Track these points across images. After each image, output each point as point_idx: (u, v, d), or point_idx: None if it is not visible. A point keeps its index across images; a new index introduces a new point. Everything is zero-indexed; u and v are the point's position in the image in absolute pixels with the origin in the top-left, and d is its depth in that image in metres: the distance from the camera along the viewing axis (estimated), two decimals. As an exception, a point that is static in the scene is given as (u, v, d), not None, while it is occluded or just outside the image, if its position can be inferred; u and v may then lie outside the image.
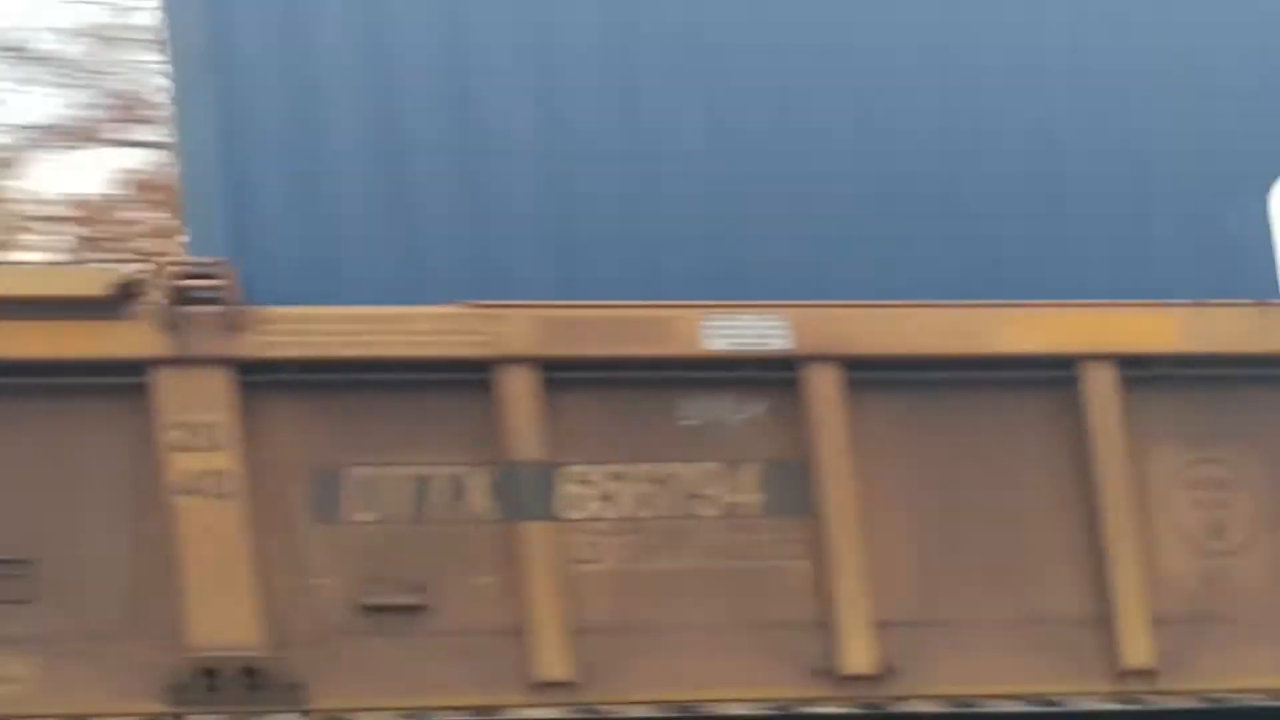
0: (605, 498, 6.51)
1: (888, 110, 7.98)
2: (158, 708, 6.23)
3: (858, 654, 6.49)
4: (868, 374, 6.58)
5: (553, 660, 6.36)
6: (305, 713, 6.29)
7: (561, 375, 6.45)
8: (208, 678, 6.19)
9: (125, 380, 6.23)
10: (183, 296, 6.22)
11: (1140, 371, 6.70)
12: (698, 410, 6.60)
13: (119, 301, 6.19)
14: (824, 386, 6.54)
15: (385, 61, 7.25)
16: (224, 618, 6.19)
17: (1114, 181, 8.03)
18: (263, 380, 6.28)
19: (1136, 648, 6.63)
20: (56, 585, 6.22)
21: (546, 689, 6.37)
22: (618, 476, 6.53)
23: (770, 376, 6.58)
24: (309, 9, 7.34)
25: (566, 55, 7.53)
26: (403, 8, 7.45)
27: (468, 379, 6.43)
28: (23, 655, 6.17)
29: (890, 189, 7.95)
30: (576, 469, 6.49)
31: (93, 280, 6.25)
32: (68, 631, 6.20)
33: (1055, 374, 6.71)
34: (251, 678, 6.21)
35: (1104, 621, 6.65)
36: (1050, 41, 8.13)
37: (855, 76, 7.92)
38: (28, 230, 18.00)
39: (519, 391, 6.40)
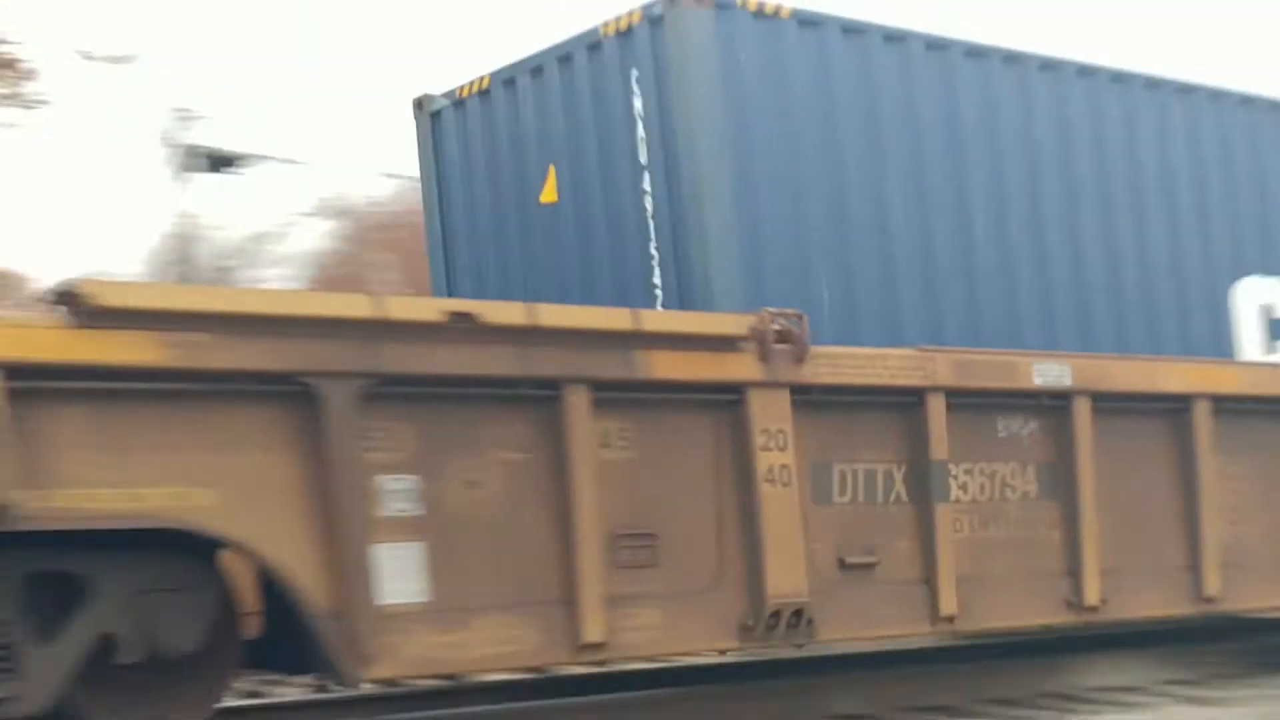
0: (962, 487, 9.28)
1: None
2: (735, 644, 8.37)
3: (1092, 592, 9.70)
4: (1108, 404, 9.78)
5: (948, 601, 9.08)
6: (798, 646, 8.67)
7: (956, 400, 9.13)
8: (773, 619, 8.37)
9: (728, 398, 8.23)
10: (777, 337, 8.30)
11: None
12: (1004, 425, 9.50)
13: (737, 340, 8.19)
14: (1083, 413, 9.66)
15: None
16: (787, 574, 8.40)
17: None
18: (803, 400, 8.50)
19: (1211, 582, 10.31)
20: (671, 553, 8.15)
21: (942, 621, 9.09)
22: (967, 472, 9.31)
23: (1046, 404, 9.60)
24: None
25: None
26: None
27: (905, 402, 8.97)
28: (652, 607, 8.07)
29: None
30: (951, 467, 9.21)
31: (737, 323, 8.18)
32: (679, 588, 8.16)
33: (1174, 406, 10.21)
34: (798, 618, 8.46)
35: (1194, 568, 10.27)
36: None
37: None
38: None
39: (937, 411, 9.02)
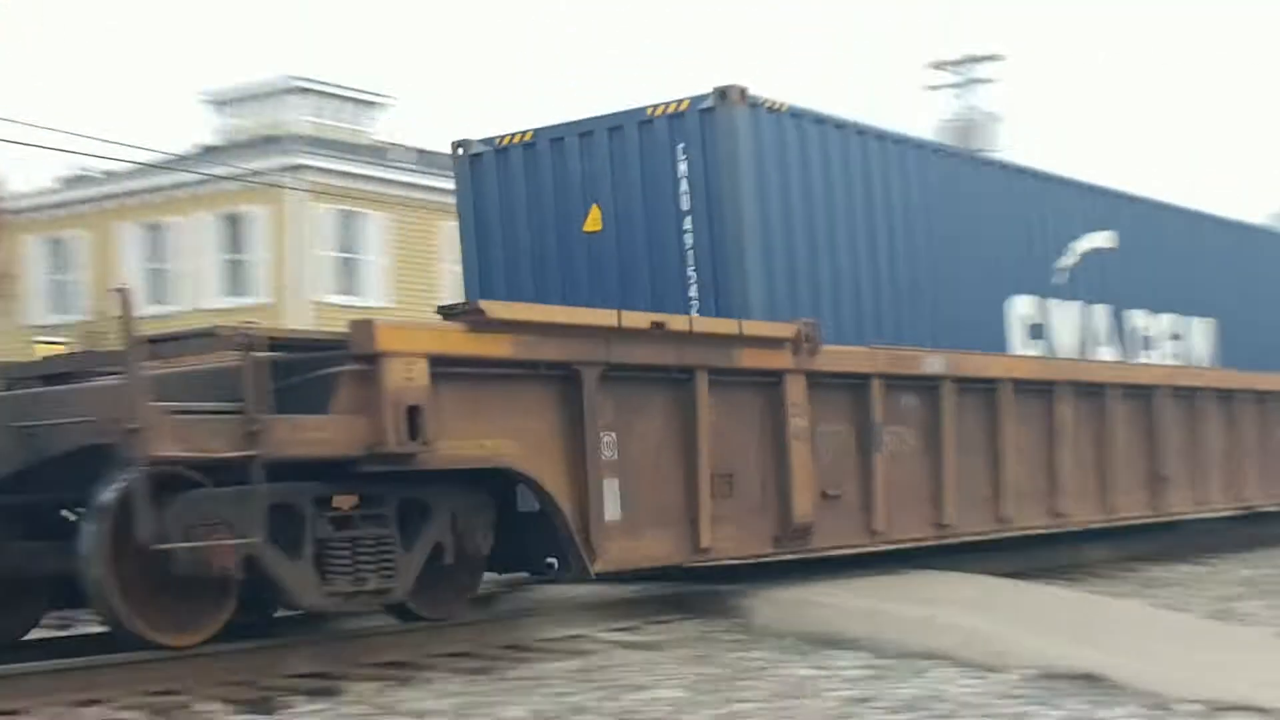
0: (886, 443, 13.23)
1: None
2: (770, 551, 12.14)
3: (950, 515, 13.87)
4: (960, 384, 13.96)
5: (879, 522, 13.04)
6: (801, 553, 12.51)
7: (885, 382, 13.10)
8: (794, 533, 12.13)
9: (772, 380, 11.95)
10: (804, 338, 12.06)
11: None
12: (904, 400, 13.51)
13: (784, 340, 11.90)
14: (949, 390, 13.80)
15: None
16: (803, 503, 12.19)
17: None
18: (812, 382, 12.28)
19: (1008, 507, 14.70)
20: (740, 487, 11.81)
21: (875, 536, 13.08)
22: (889, 432, 13.31)
23: (925, 384, 13.69)
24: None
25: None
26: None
27: (858, 383, 12.88)
28: (730, 524, 11.71)
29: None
30: (883, 429, 13.20)
31: (787, 329, 11.88)
32: (743, 511, 11.85)
33: (990, 386, 14.51)
34: (805, 533, 12.25)
35: (997, 497, 14.63)
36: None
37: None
38: None
39: (878, 389, 12.95)
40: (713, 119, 12.44)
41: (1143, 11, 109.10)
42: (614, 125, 13.05)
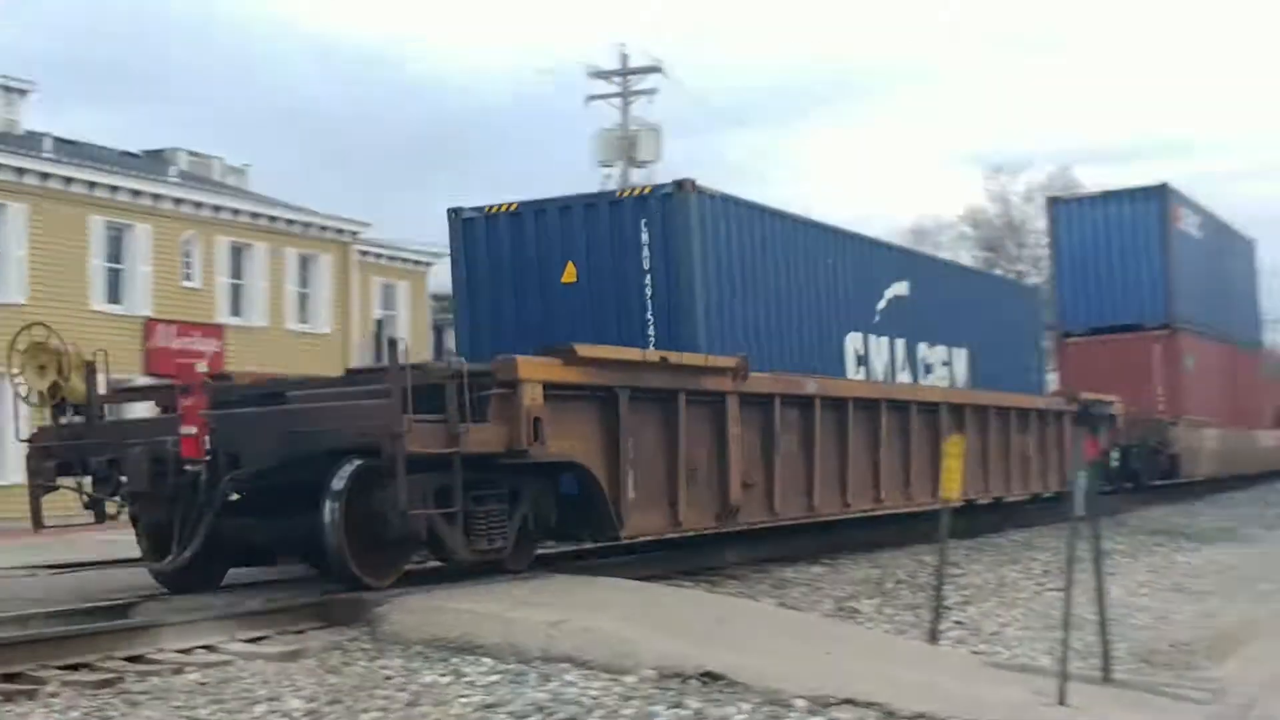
0: (783, 446, 17.63)
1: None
2: (714, 526, 16.41)
3: (819, 503, 18.34)
4: (826, 402, 18.47)
5: (778, 505, 17.43)
6: (730, 528, 16.84)
7: (783, 400, 17.52)
8: (728, 512, 16.42)
9: (717, 399, 16.20)
10: (743, 367, 16.33)
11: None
12: (790, 413, 17.94)
13: (727, 369, 16.16)
14: (819, 406, 18.30)
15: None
16: (736, 489, 16.51)
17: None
18: (742, 401, 16.58)
19: (851, 494, 19.27)
20: (700, 476, 16.07)
21: (773, 514, 17.48)
22: (784, 438, 17.72)
23: (804, 401, 18.15)
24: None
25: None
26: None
27: (765, 401, 17.28)
28: (695, 505, 15.95)
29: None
30: (780, 436, 17.59)
31: (730, 361, 16.13)
32: (702, 495, 16.10)
33: (839, 402, 19.07)
34: (734, 511, 16.55)
35: (844, 486, 19.19)
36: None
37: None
38: None
39: (778, 406, 17.35)
40: (670, 202, 16.66)
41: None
42: (589, 203, 17.19)
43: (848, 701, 9.17)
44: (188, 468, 12.35)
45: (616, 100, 51.71)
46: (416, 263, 51.27)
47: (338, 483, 12.44)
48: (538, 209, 17.37)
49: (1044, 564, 19.43)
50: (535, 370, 13.37)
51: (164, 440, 12.55)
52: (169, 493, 12.51)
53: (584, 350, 13.98)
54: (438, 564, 14.09)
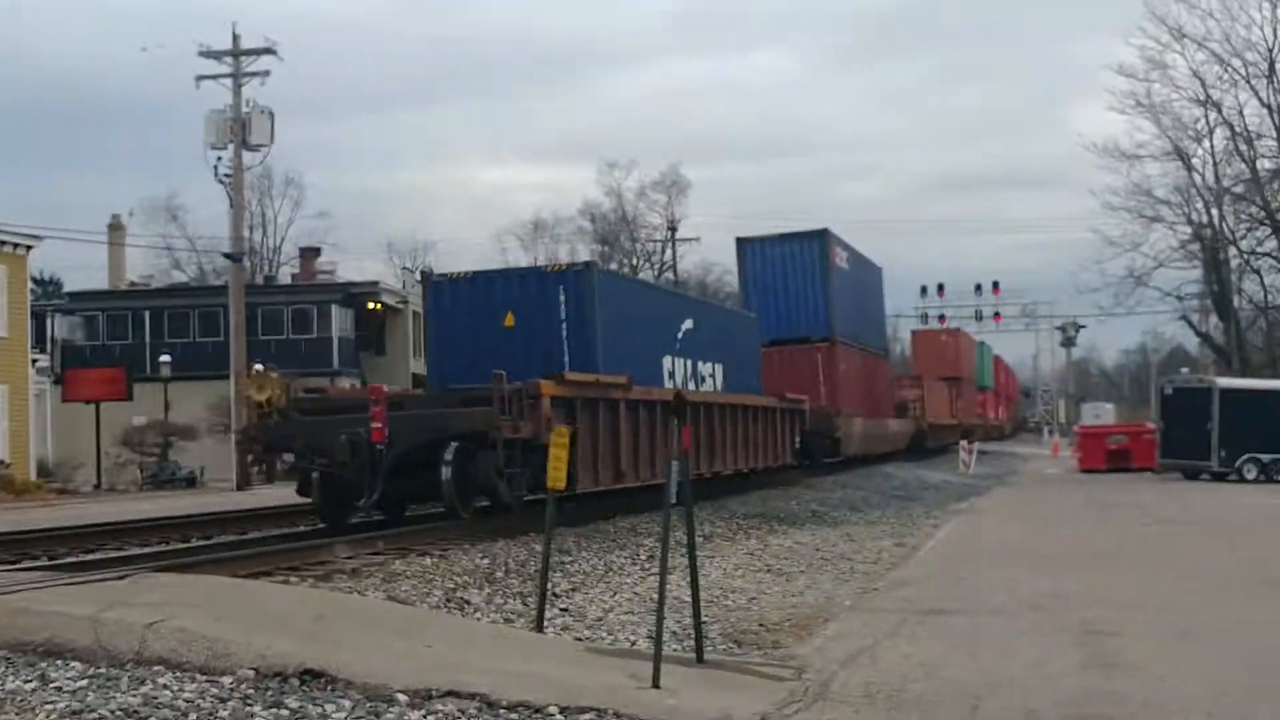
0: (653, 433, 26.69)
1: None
2: (617, 484, 25.48)
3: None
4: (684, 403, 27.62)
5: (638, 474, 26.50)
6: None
7: (667, 404, 26.59)
8: (620, 473, 25.45)
9: (619, 401, 25.19)
10: (629, 382, 25.32)
11: None
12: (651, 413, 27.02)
13: (621, 384, 25.16)
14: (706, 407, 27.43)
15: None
16: (629, 462, 25.55)
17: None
18: (627, 404, 25.57)
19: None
20: (625, 452, 25.08)
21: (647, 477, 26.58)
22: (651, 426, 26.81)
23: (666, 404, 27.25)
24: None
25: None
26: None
27: (651, 405, 26.35)
28: (628, 469, 24.90)
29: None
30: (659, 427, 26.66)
31: (624, 379, 25.12)
32: (622, 465, 25.07)
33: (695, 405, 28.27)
34: (622, 474, 25.58)
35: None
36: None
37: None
38: None
39: (655, 409, 26.42)
40: (581, 274, 25.53)
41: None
42: (523, 275, 26.07)
43: (450, 694, 9.25)
44: (378, 447, 20.67)
45: (228, 81, 50.84)
46: (16, 245, 48.48)
47: (448, 454, 20.95)
48: (486, 277, 26.04)
49: (650, 549, 20.81)
50: (548, 388, 22.10)
51: (359, 430, 20.84)
52: (360, 463, 20.79)
53: (570, 375, 22.79)
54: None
